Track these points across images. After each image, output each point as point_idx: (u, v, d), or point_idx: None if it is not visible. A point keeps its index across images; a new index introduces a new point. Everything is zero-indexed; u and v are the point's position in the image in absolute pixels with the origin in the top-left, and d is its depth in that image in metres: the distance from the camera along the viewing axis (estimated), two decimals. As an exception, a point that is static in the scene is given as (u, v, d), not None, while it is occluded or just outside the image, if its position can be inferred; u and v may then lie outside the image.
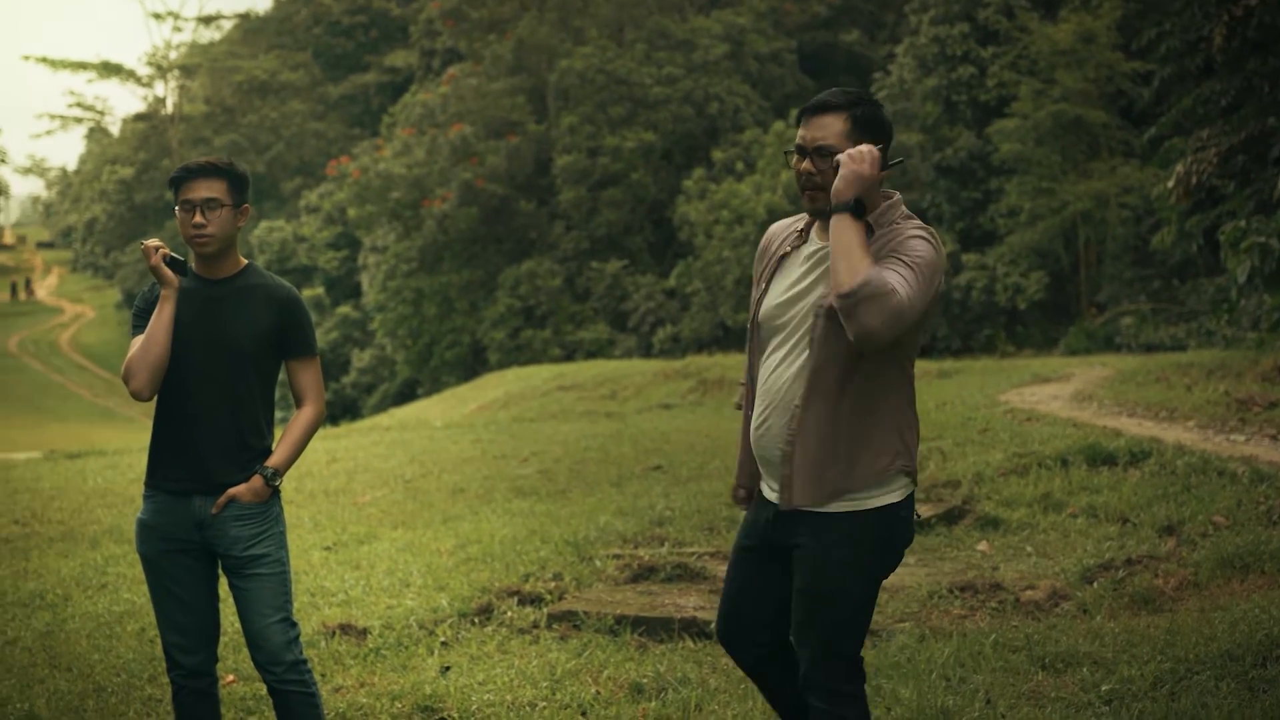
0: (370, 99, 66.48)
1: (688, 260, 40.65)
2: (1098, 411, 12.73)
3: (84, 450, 17.94)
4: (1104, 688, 5.16)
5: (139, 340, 4.35)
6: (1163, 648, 5.48)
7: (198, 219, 4.32)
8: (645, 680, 5.71)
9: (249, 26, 78.26)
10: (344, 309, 53.25)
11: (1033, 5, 36.37)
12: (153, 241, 4.32)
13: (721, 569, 7.67)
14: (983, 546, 7.86)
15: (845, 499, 3.77)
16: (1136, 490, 8.54)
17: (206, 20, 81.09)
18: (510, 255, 45.63)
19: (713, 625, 6.41)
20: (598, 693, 5.63)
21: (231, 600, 4.55)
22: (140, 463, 13.87)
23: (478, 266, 45.82)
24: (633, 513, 9.48)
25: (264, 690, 5.47)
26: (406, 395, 46.10)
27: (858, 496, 3.78)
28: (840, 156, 3.66)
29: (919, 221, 3.78)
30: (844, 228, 3.59)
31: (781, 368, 3.83)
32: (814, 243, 3.84)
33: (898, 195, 3.83)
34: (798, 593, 3.83)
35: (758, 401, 3.90)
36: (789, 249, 3.90)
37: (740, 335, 37.67)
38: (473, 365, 44.54)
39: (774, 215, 37.68)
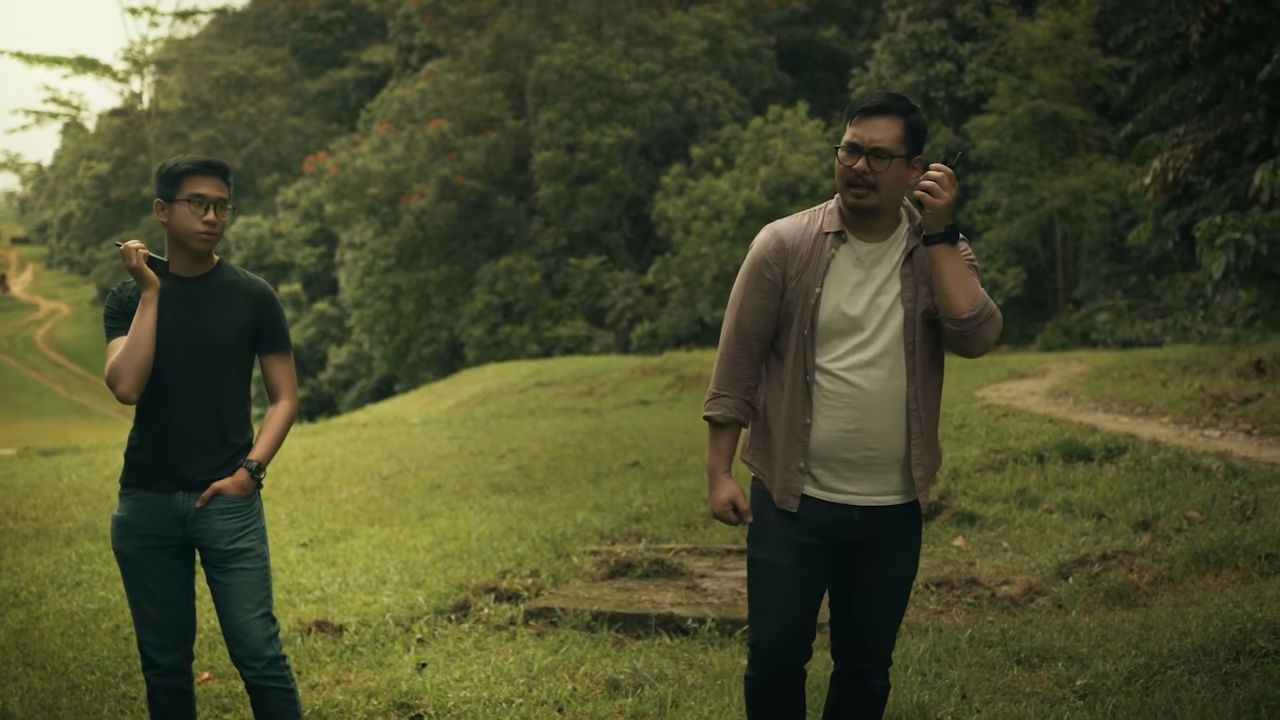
0: (348, 94, 66.41)
1: (666, 256, 40.67)
2: (1074, 407, 12.77)
3: (59, 447, 17.84)
4: (1079, 682, 5.18)
5: (120, 343, 4.32)
6: (1137, 642, 5.50)
7: (210, 216, 4.32)
8: (622, 676, 5.71)
9: (226, 21, 78.06)
10: (321, 305, 53.18)
11: (1010, 2, 36.47)
12: (133, 242, 4.30)
13: (699, 565, 7.68)
14: (959, 542, 7.88)
15: None
16: (1112, 486, 8.57)
17: (183, 15, 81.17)
18: (488, 251, 45.59)
19: (690, 621, 6.44)
20: (574, 689, 5.62)
21: (207, 597, 4.53)
22: (115, 460, 13.81)
23: (456, 263, 45.79)
24: (610, 509, 9.48)
25: (240, 688, 5.46)
26: (384, 392, 46.08)
27: None
28: (920, 194, 3.80)
29: None
30: (950, 256, 3.81)
31: (870, 370, 3.89)
32: (859, 243, 3.93)
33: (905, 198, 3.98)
34: (885, 585, 4.02)
35: (836, 403, 3.90)
36: (833, 252, 3.92)
37: (718, 331, 37.64)
38: (450, 361, 44.51)
39: (752, 211, 37.76)
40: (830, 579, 4.07)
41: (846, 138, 3.86)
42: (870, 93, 3.94)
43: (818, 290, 3.89)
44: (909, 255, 3.89)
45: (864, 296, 3.89)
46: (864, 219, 3.90)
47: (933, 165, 3.78)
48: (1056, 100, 33.26)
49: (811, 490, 3.96)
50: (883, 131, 3.81)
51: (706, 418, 4.10)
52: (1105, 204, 31.94)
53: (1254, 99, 18.24)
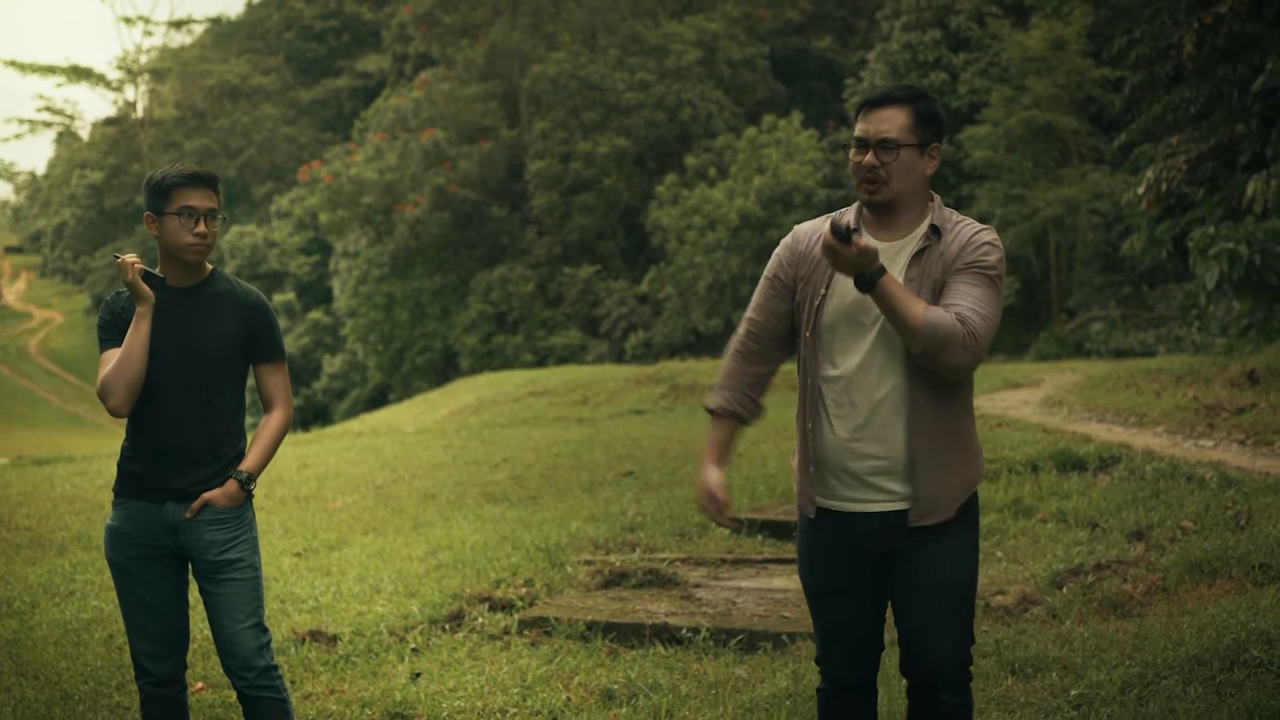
0: (342, 103, 66.43)
1: (660, 266, 40.71)
2: (1068, 417, 12.78)
3: (52, 456, 17.81)
4: (1073, 692, 5.18)
5: (112, 355, 4.31)
6: (1131, 652, 5.49)
7: (201, 228, 4.30)
8: (616, 686, 5.71)
9: (220, 30, 78.13)
10: (315, 314, 53.16)
11: (1004, 12, 36.57)
12: (130, 256, 4.27)
13: (693, 574, 7.68)
14: (953, 552, 7.87)
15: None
16: (1106, 495, 8.57)
17: (177, 24, 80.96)
18: (482, 261, 45.62)
19: (685, 631, 6.43)
20: (569, 699, 5.62)
21: (200, 607, 4.52)
22: (109, 469, 13.78)
23: (450, 272, 45.82)
24: (604, 519, 9.47)
25: (233, 697, 5.45)
26: (378, 401, 46.07)
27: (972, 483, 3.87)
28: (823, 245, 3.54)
29: (973, 221, 3.81)
30: (880, 296, 3.55)
31: (871, 376, 3.74)
32: (876, 243, 3.67)
33: (937, 196, 3.85)
34: (930, 589, 3.79)
35: (837, 412, 3.79)
36: None
37: (713, 341, 37.68)
38: (444, 371, 44.50)
39: (746, 220, 37.78)
40: (881, 592, 3.91)
41: (855, 133, 3.77)
42: (877, 87, 3.82)
43: (823, 292, 3.79)
44: (916, 256, 3.72)
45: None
46: (884, 216, 3.78)
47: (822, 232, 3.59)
48: (1050, 110, 33.33)
49: (828, 501, 3.84)
50: (888, 122, 3.71)
51: (705, 408, 4.02)
52: (1099, 214, 32.01)
53: (1247, 109, 18.26)
